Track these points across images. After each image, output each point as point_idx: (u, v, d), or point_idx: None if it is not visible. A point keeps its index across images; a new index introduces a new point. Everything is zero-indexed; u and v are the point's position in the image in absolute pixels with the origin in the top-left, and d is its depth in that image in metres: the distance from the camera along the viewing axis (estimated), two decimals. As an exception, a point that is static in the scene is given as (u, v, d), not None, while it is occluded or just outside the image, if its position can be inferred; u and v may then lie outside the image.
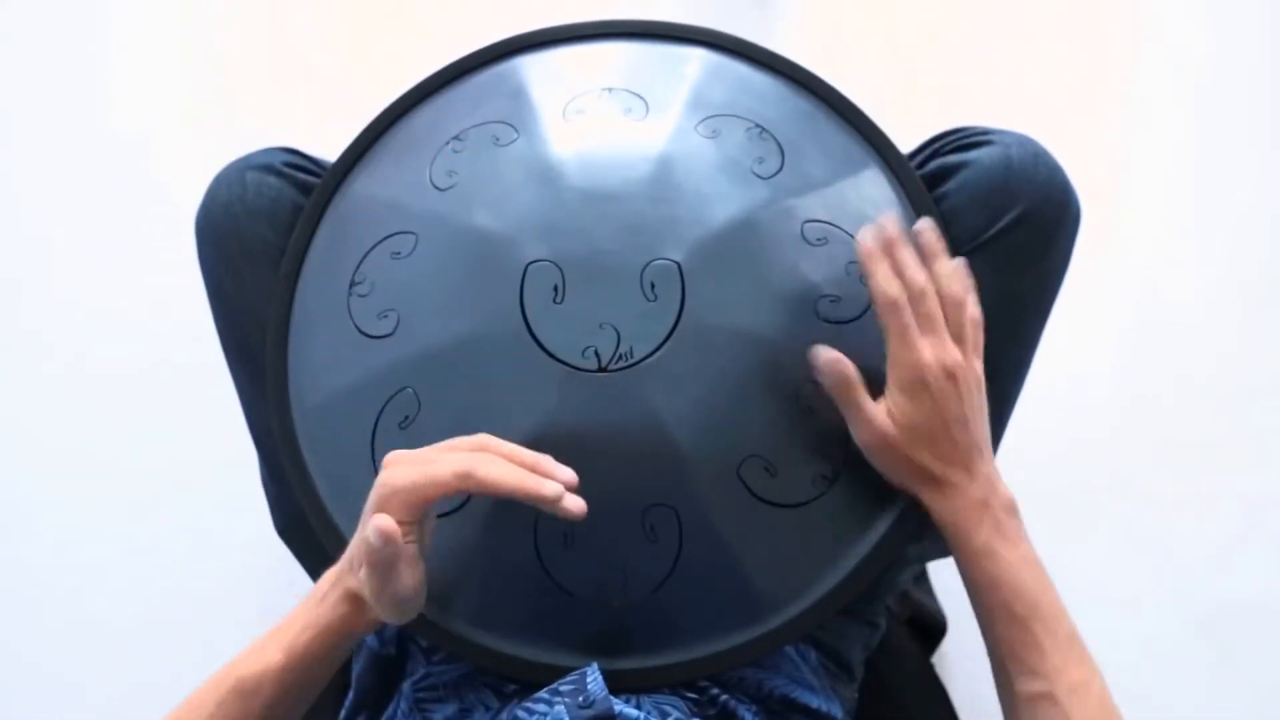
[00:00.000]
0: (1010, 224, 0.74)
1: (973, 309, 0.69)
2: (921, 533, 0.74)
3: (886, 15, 1.39)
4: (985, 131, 0.78)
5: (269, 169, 0.80)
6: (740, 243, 0.70)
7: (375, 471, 0.71)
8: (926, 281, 0.68)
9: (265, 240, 0.79)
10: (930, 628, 1.07)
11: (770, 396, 0.69)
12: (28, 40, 1.37)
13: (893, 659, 0.92)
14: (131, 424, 1.25)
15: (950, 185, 0.77)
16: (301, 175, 0.81)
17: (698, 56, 0.80)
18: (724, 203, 0.71)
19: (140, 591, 1.21)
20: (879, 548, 0.71)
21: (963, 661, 1.13)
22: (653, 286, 0.68)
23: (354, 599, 0.63)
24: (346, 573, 0.64)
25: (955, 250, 0.76)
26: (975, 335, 0.69)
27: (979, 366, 0.68)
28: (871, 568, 0.71)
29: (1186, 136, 1.33)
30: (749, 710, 0.69)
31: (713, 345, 0.68)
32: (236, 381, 0.82)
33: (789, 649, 0.74)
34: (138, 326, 1.28)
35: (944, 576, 1.09)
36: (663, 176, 0.71)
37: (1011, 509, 0.68)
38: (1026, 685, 0.65)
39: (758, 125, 0.75)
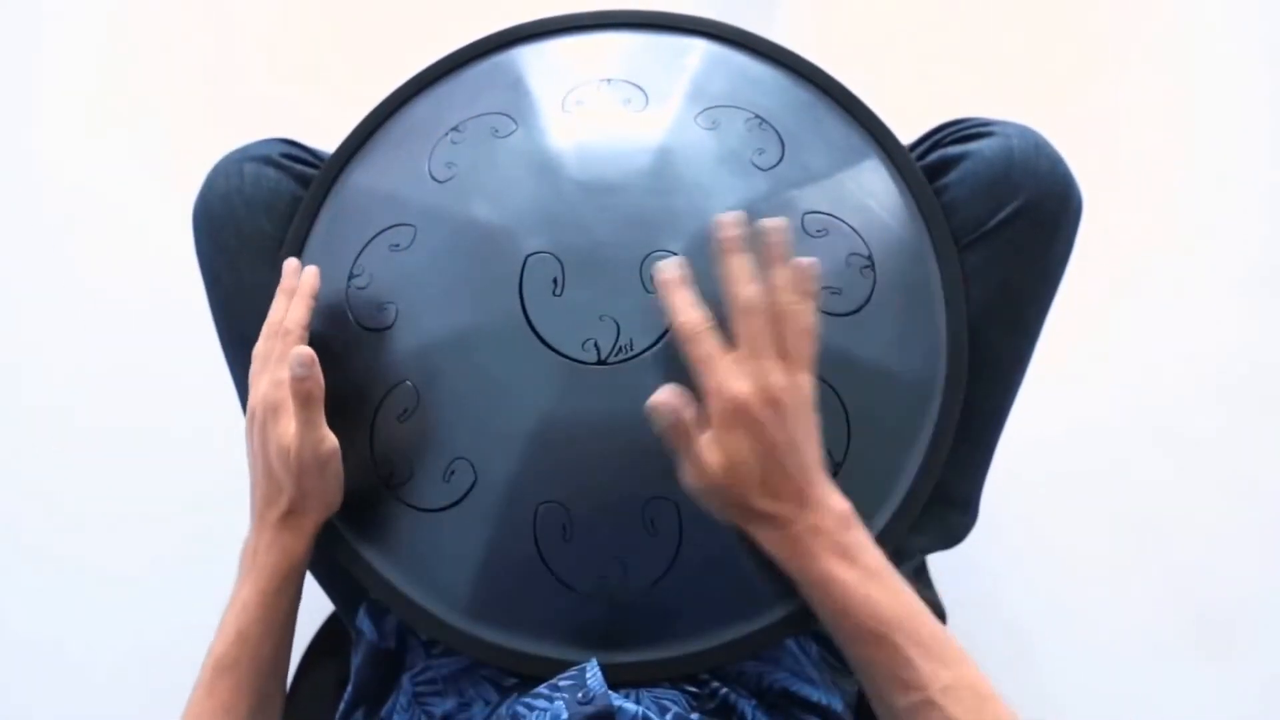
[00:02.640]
0: (1011, 215, 0.74)
1: (805, 319, 0.63)
2: (921, 525, 0.74)
3: (887, 6, 1.38)
4: (986, 123, 0.78)
5: (267, 160, 0.80)
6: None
7: (375, 467, 0.71)
8: (757, 294, 0.63)
9: (263, 232, 0.78)
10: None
11: (770, 389, 0.69)
12: (35, 28, 1.37)
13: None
14: (127, 418, 1.25)
15: (951, 176, 0.77)
16: (299, 167, 0.81)
17: (697, 47, 0.79)
18: (723, 194, 0.70)
19: (131, 580, 1.21)
20: (879, 540, 0.71)
21: (963, 653, 1.13)
22: (652, 278, 0.68)
23: (281, 524, 0.69)
24: (265, 510, 0.70)
25: (957, 242, 0.75)
26: (803, 346, 0.63)
27: (805, 381, 0.63)
28: (872, 561, 0.71)
29: (1188, 128, 1.33)
30: (749, 704, 0.69)
31: (713, 338, 0.68)
32: (234, 374, 0.81)
33: (790, 642, 0.74)
34: (133, 320, 1.28)
35: (944, 569, 1.09)
36: (662, 168, 0.71)
37: (847, 523, 0.63)
38: (898, 699, 0.61)
39: (757, 116, 0.75)
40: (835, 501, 0.64)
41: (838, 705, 0.73)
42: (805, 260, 0.64)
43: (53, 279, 1.30)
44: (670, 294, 0.64)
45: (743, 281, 0.63)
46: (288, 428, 0.68)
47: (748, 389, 0.61)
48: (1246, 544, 1.21)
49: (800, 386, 0.63)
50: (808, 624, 0.71)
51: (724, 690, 0.69)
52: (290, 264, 0.74)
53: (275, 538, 0.69)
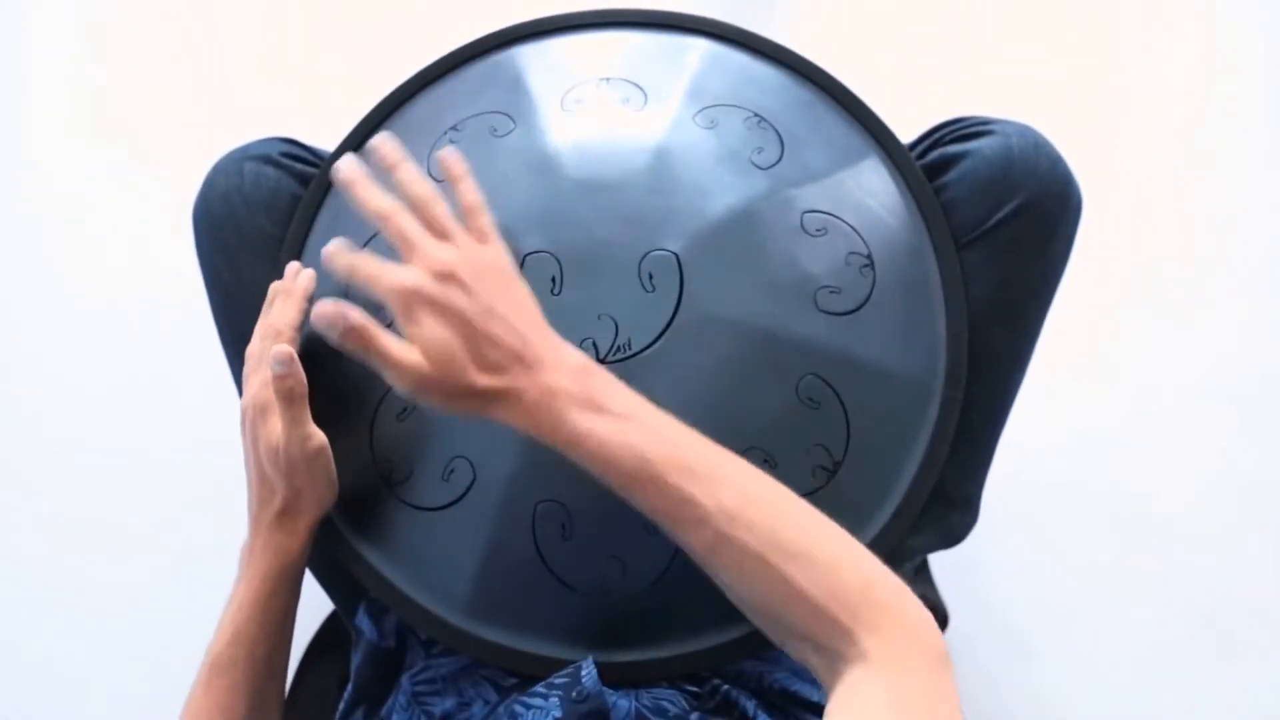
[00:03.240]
0: (1011, 214, 0.74)
1: (441, 204, 0.62)
2: (921, 524, 0.74)
3: (887, 5, 1.38)
4: (986, 121, 0.78)
5: (267, 159, 0.80)
6: (739, 233, 0.70)
7: (375, 466, 0.71)
8: (386, 201, 0.61)
9: (263, 231, 0.79)
10: (931, 619, 1.07)
11: (769, 388, 0.69)
12: (25, 33, 1.37)
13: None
14: (124, 417, 1.25)
15: (951, 175, 0.77)
16: (299, 166, 0.81)
17: (697, 46, 0.79)
18: (722, 193, 0.70)
19: (129, 585, 1.21)
20: (879, 539, 0.71)
21: (964, 653, 1.13)
22: (651, 278, 0.68)
23: (275, 523, 0.69)
24: (260, 510, 0.70)
25: (956, 241, 0.75)
26: (473, 220, 0.62)
27: (481, 249, 0.61)
28: (871, 559, 0.71)
29: (1188, 125, 1.32)
30: (751, 702, 0.69)
31: (711, 336, 0.68)
32: (234, 373, 0.81)
33: (790, 641, 0.74)
34: (133, 323, 1.28)
35: (944, 569, 1.09)
36: (661, 167, 0.71)
37: (585, 373, 0.60)
38: (691, 536, 0.59)
39: (757, 115, 0.75)
40: (566, 355, 0.60)
41: (838, 704, 0.73)
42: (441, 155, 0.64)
43: (48, 282, 1.30)
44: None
45: (371, 199, 0.61)
46: (275, 427, 0.68)
47: (414, 274, 0.58)
48: (1251, 545, 1.20)
49: (476, 252, 0.60)
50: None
51: (725, 687, 0.69)
52: (292, 267, 0.75)
53: (270, 538, 0.69)
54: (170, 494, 1.23)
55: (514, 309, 0.60)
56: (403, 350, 0.59)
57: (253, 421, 0.69)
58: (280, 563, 0.69)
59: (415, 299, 0.58)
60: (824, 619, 0.56)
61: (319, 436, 0.69)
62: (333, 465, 0.70)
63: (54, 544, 1.23)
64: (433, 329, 0.58)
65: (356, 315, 0.58)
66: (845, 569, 0.57)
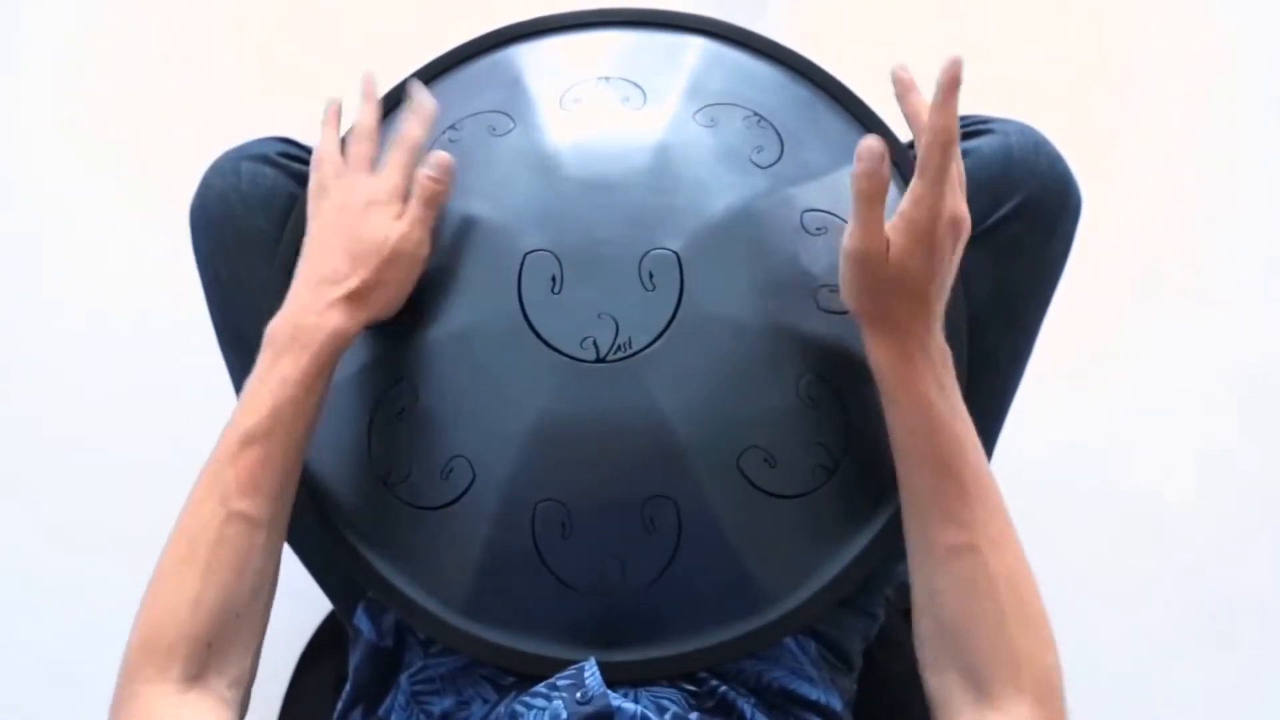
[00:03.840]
0: (1010, 213, 0.74)
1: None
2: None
3: (887, 4, 1.38)
4: (985, 120, 0.78)
5: (264, 159, 0.80)
6: (739, 232, 0.70)
7: (373, 465, 0.71)
8: (952, 125, 0.63)
9: (261, 231, 0.78)
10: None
11: (770, 387, 0.69)
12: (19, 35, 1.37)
13: (891, 650, 0.91)
14: (122, 416, 1.25)
15: (950, 174, 0.76)
16: (297, 165, 0.81)
17: (696, 45, 0.79)
18: (722, 192, 0.70)
19: (130, 579, 1.21)
20: (878, 539, 0.71)
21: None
22: (651, 276, 0.68)
23: (340, 303, 0.67)
24: (322, 286, 0.67)
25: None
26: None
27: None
28: (871, 559, 0.71)
29: (1189, 124, 1.32)
30: (747, 702, 0.69)
31: (711, 335, 0.68)
32: (232, 373, 0.81)
33: (788, 640, 0.74)
34: (128, 322, 1.28)
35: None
36: (660, 166, 0.71)
37: (948, 360, 0.65)
38: (947, 535, 0.64)
39: (756, 114, 0.74)
40: (940, 335, 0.65)
41: (836, 704, 0.73)
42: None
43: (46, 285, 1.30)
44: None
45: (937, 112, 0.63)
46: (388, 221, 0.68)
47: (950, 208, 0.62)
48: (1250, 542, 1.21)
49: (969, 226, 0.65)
50: (805, 622, 0.71)
51: (722, 688, 0.69)
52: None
53: (327, 316, 0.67)
54: (170, 495, 1.23)
55: (950, 279, 0.65)
56: (891, 231, 0.62)
57: (362, 207, 0.69)
58: (333, 346, 0.66)
59: (937, 225, 0.62)
60: (1007, 667, 0.61)
61: (429, 247, 0.69)
62: (418, 275, 0.70)
63: (54, 545, 1.23)
64: (919, 254, 0.62)
65: (886, 176, 0.61)
66: (1045, 638, 0.63)
